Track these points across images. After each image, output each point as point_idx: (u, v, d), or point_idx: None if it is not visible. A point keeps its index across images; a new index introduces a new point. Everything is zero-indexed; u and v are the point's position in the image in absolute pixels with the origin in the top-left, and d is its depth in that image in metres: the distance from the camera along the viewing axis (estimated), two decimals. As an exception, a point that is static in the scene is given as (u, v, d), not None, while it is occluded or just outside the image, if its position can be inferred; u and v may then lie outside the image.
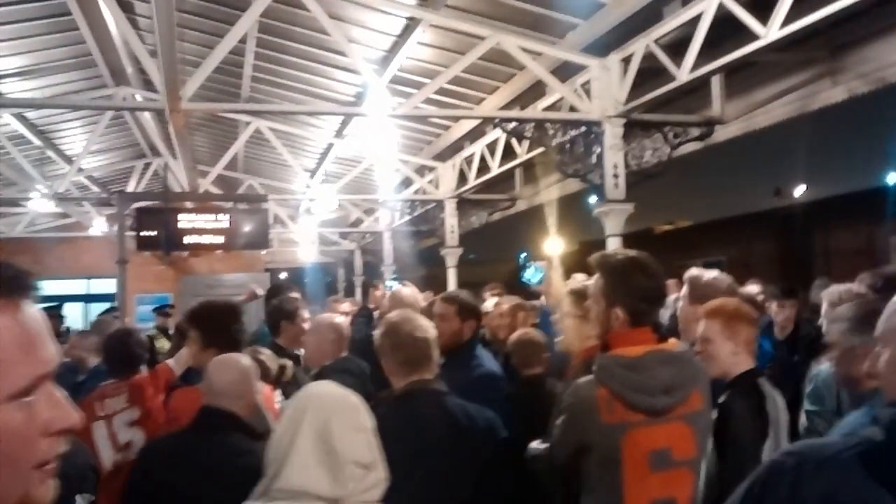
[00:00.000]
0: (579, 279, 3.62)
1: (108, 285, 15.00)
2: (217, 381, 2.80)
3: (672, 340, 2.74)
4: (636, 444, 2.40)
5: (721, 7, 5.61)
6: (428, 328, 2.94)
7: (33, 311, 0.84)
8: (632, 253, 2.70)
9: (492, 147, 10.34)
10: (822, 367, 3.57)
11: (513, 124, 8.00)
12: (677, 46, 6.31)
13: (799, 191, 22.42)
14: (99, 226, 15.30)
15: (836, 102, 6.45)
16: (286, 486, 1.65)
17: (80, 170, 13.83)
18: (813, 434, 3.45)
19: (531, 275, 4.53)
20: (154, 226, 10.52)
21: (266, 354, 4.05)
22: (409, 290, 5.43)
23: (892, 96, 6.41)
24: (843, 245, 19.52)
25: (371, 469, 1.73)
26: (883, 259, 15.41)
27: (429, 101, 8.63)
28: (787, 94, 6.83)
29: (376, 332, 3.04)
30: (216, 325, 3.77)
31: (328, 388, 1.90)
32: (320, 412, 1.75)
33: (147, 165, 15.39)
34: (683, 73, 6.20)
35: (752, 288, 6.14)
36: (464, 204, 12.32)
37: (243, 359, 2.99)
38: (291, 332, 4.83)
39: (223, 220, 10.57)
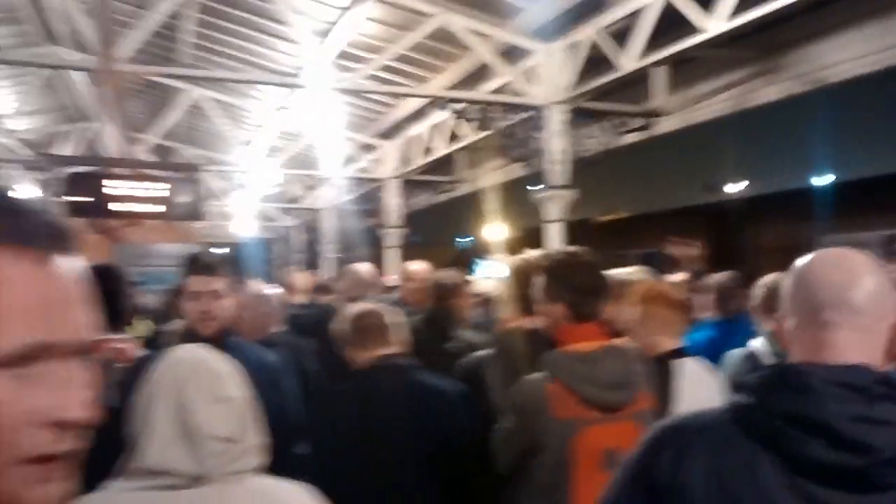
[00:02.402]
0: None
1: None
2: None
3: (619, 339, 2.75)
4: (589, 443, 2.35)
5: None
6: (386, 312, 2.95)
7: (64, 271, 0.68)
8: (571, 249, 2.70)
9: (436, 128, 10.29)
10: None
11: (458, 105, 7.96)
12: (623, 36, 6.35)
13: (731, 187, 22.99)
14: (29, 190, 14.77)
15: (770, 101, 6.60)
16: (144, 464, 1.53)
17: (8, 131, 13.32)
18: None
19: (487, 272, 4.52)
20: (87, 192, 10.18)
21: None
22: (367, 268, 5.40)
23: (823, 98, 6.59)
24: (772, 242, 20.09)
25: (236, 441, 1.59)
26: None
27: (373, 78, 8.54)
28: (726, 90, 6.96)
29: (336, 322, 3.01)
30: None
31: (187, 354, 1.72)
32: (176, 382, 1.61)
33: (78, 130, 14.90)
34: (628, 63, 6.25)
35: (675, 276, 6.21)
36: (408, 184, 12.26)
37: None
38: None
39: (158, 189, 10.29)
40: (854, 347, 1.28)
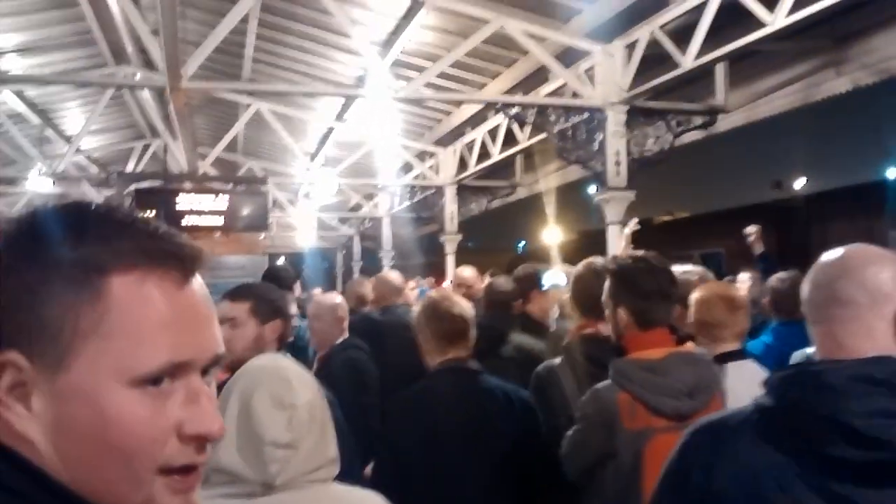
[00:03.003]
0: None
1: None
2: None
3: (690, 344, 2.71)
4: (659, 452, 2.29)
5: (727, -6, 5.58)
6: (466, 306, 2.93)
7: (196, 292, 0.73)
8: (638, 253, 2.68)
9: (493, 133, 10.29)
10: None
11: (515, 109, 7.95)
12: (682, 33, 6.26)
13: (799, 183, 22.41)
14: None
15: (839, 93, 6.42)
16: (216, 466, 1.54)
17: (79, 150, 13.77)
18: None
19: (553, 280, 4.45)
20: (153, 207, 10.46)
21: None
22: (396, 274, 5.74)
23: (892, 89, 6.38)
24: (842, 238, 19.43)
25: (296, 448, 1.58)
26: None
27: (431, 85, 8.59)
28: (791, 84, 6.80)
29: (415, 308, 3.03)
30: None
31: (264, 361, 1.76)
32: (248, 386, 1.63)
33: (146, 147, 15.32)
34: (688, 61, 6.16)
35: (743, 276, 6.08)
36: (464, 190, 12.28)
37: None
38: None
39: (222, 202, 10.52)
40: (857, 340, 1.30)
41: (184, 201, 10.46)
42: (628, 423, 2.36)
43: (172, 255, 0.71)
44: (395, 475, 2.61)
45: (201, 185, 11.18)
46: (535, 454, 2.74)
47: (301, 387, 1.68)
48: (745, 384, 2.82)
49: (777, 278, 4.72)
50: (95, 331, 0.66)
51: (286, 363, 1.76)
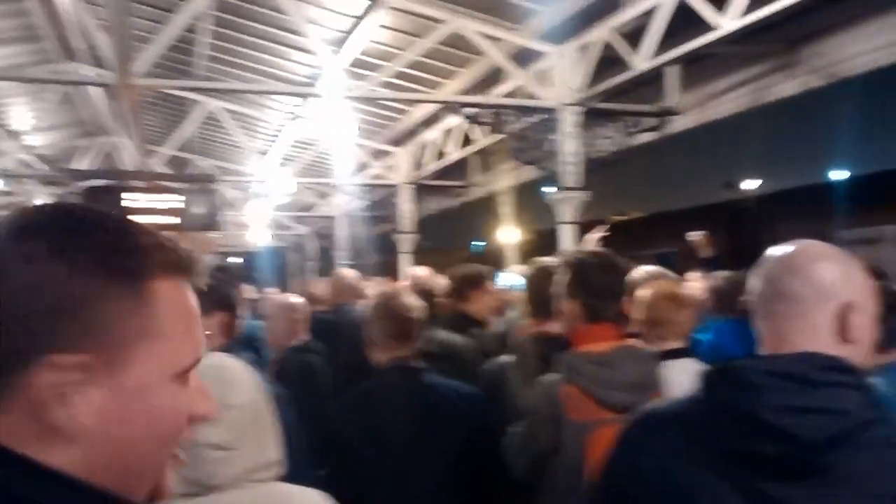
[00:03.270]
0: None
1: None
2: None
3: (633, 340, 2.74)
4: (604, 444, 2.34)
5: (679, -3, 5.66)
6: (417, 304, 2.91)
7: (192, 294, 0.82)
8: (594, 249, 2.71)
9: (449, 133, 10.30)
10: None
11: (470, 110, 7.97)
12: (635, 36, 6.34)
13: (750, 184, 22.84)
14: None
15: (789, 96, 6.55)
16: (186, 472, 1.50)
17: (26, 146, 13.45)
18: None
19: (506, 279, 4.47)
20: (103, 205, 10.23)
21: None
22: (352, 272, 5.66)
23: (841, 92, 6.52)
24: (792, 238, 19.85)
25: (234, 449, 1.54)
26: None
27: (386, 85, 8.57)
28: (742, 86, 6.92)
29: (366, 303, 3.00)
30: None
31: (207, 360, 1.73)
32: None
33: (97, 145, 15.02)
34: (641, 63, 6.24)
35: (692, 275, 6.18)
36: (420, 190, 12.27)
37: None
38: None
39: (174, 201, 10.35)
40: (800, 335, 1.31)
41: (135, 200, 10.26)
42: (575, 415, 2.37)
43: (186, 263, 0.81)
44: (345, 475, 2.58)
45: (153, 183, 10.99)
46: (489, 451, 2.74)
47: (242, 387, 1.64)
48: (684, 380, 2.87)
49: (719, 277, 4.80)
50: (146, 333, 0.74)
51: (230, 363, 1.71)
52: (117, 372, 0.72)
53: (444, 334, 3.84)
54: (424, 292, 4.23)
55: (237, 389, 1.63)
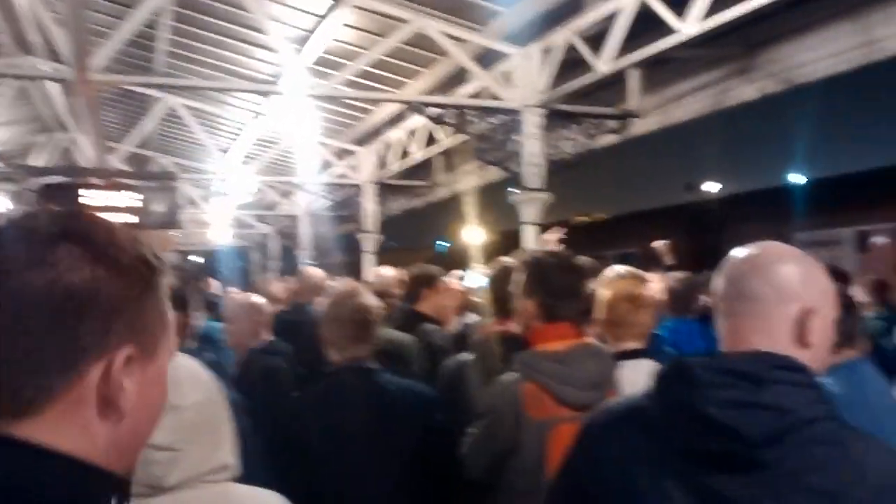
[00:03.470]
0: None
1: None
2: None
3: (590, 338, 2.75)
4: (563, 442, 2.31)
5: (641, 2, 5.70)
6: (374, 303, 2.88)
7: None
8: (553, 249, 2.71)
9: (413, 133, 10.28)
10: None
11: (435, 110, 7.96)
12: (597, 39, 6.38)
13: (711, 186, 23.13)
14: (2, 203, 14.55)
15: (748, 100, 6.64)
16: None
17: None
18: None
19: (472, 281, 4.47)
20: (60, 203, 10.03)
21: None
22: (318, 271, 5.56)
23: (800, 97, 6.63)
24: (752, 240, 20.10)
25: (179, 450, 1.51)
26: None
27: (350, 84, 8.52)
28: (702, 90, 7.00)
29: (322, 300, 2.96)
30: None
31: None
32: None
33: (53, 141, 14.71)
34: (602, 66, 6.28)
35: (653, 276, 6.26)
36: (383, 189, 12.23)
37: None
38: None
39: (132, 199, 10.18)
40: (758, 336, 1.32)
41: (93, 197, 10.07)
42: (534, 413, 2.37)
43: (168, 265, 0.89)
44: (303, 475, 2.56)
45: (111, 181, 10.80)
46: (445, 451, 2.73)
47: (191, 388, 1.61)
48: (641, 381, 2.89)
49: (673, 278, 4.87)
50: (164, 327, 0.85)
51: (184, 362, 1.67)
52: (149, 362, 0.82)
53: (389, 332, 3.83)
54: (380, 291, 4.23)
55: (185, 390, 1.59)
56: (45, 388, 0.74)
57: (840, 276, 4.45)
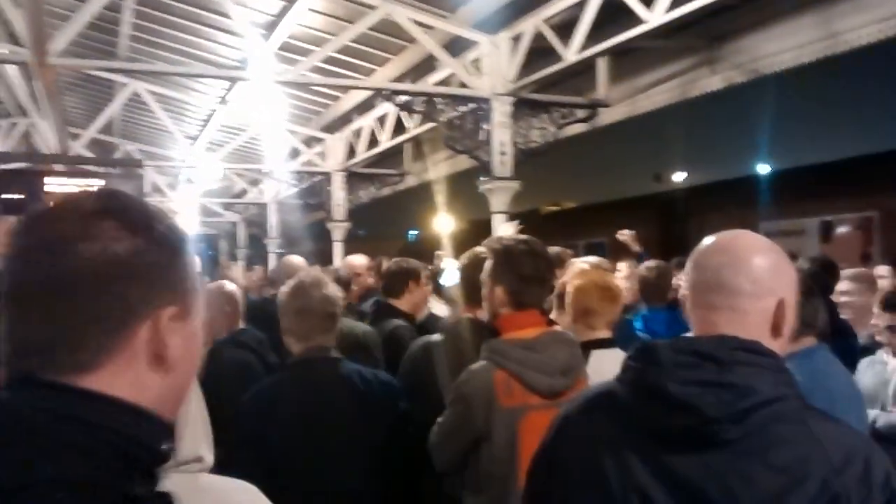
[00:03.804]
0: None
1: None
2: None
3: (557, 326, 2.76)
4: (533, 429, 2.28)
5: (609, -10, 5.70)
6: (336, 296, 2.84)
7: None
8: (522, 237, 2.70)
9: (382, 120, 10.22)
10: None
11: (403, 98, 7.91)
12: (566, 28, 6.37)
13: (678, 176, 23.34)
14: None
15: (713, 91, 6.69)
16: None
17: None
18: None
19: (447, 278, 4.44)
20: (20, 190, 9.83)
21: None
22: (300, 260, 5.54)
23: (765, 88, 6.68)
24: (719, 229, 20.36)
25: None
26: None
27: (317, 70, 8.44)
28: (669, 80, 7.04)
29: (283, 289, 2.90)
30: None
31: None
32: None
33: (13, 126, 14.40)
34: (570, 54, 6.28)
35: (621, 265, 6.30)
36: (352, 178, 12.16)
37: None
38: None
39: (95, 186, 9.99)
40: (733, 327, 1.33)
41: (54, 185, 9.88)
42: (505, 400, 2.37)
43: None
44: (268, 467, 2.53)
45: (73, 167, 10.62)
46: (411, 439, 2.72)
47: None
48: (610, 370, 2.90)
49: (645, 267, 4.89)
50: (197, 290, 0.92)
51: None
52: (188, 319, 0.89)
53: (350, 322, 3.80)
54: (346, 280, 4.19)
55: None
56: (102, 346, 0.82)
57: (829, 268, 4.49)
